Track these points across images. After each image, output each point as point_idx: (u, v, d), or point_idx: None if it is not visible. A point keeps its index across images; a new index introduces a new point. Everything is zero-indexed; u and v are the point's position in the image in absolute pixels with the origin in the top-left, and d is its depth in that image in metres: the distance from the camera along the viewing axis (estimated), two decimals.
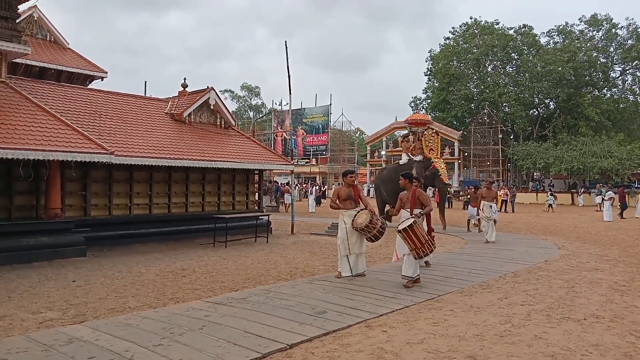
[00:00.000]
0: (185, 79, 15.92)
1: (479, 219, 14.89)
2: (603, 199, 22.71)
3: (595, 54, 42.69)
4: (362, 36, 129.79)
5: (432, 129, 17.26)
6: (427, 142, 16.76)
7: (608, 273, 8.63)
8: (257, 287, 7.52)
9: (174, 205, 13.51)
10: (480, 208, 13.26)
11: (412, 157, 16.56)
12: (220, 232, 12.81)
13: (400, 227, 7.15)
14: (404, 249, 7.33)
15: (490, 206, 12.97)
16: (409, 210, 7.70)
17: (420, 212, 7.51)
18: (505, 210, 26.55)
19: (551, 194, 29.29)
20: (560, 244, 12.73)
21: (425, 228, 7.89)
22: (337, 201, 7.97)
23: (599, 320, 5.66)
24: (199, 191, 14.11)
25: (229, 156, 13.82)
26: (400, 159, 17.68)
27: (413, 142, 16.87)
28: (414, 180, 7.88)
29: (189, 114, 14.65)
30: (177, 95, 15.72)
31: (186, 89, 15.63)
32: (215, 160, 13.13)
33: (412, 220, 7.19)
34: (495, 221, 13.38)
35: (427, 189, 17.10)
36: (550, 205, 27.91)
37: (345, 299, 6.55)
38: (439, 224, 15.85)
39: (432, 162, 16.12)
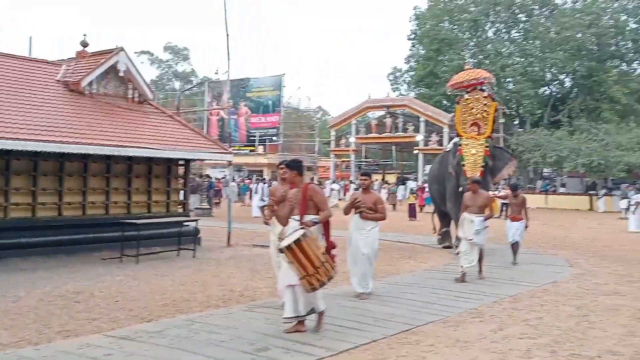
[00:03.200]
0: (85, 35, 15.54)
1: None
2: (630, 204, 23.53)
3: (624, 17, 44.14)
4: None
5: (482, 90, 14.89)
6: (465, 112, 14.86)
7: (631, 298, 9.01)
8: (177, 317, 7.46)
9: (67, 206, 13.20)
10: (461, 222, 10.81)
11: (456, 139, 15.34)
12: (130, 243, 12.64)
13: (282, 244, 6.42)
14: (290, 277, 6.48)
15: (472, 220, 10.50)
16: (298, 216, 6.86)
17: (312, 220, 6.71)
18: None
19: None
20: (573, 261, 13.19)
21: (323, 244, 6.88)
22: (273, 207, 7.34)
23: (616, 358, 5.90)
24: (102, 188, 13.85)
25: (144, 141, 13.63)
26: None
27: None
28: (300, 171, 7.01)
29: (90, 83, 14.34)
30: (74, 57, 15.36)
31: (86, 49, 15.29)
32: (125, 146, 12.91)
33: (301, 232, 6.47)
34: (516, 245, 12.57)
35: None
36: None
37: (293, 334, 6.57)
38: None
39: (459, 145, 14.59)
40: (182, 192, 16.14)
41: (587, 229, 22.43)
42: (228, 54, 16.50)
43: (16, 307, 7.91)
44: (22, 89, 13.24)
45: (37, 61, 15.38)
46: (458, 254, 10.90)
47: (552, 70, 45.88)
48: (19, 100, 12.68)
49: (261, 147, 55.50)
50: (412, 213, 26.07)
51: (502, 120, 41.01)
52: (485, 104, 14.57)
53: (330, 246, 6.89)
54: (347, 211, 9.03)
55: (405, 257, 13.76)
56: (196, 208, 25.07)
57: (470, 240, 10.34)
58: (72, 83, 14.21)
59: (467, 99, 14.85)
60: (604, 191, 36.38)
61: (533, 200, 37.78)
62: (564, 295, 9.13)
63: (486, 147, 14.13)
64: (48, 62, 15.39)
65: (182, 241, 13.92)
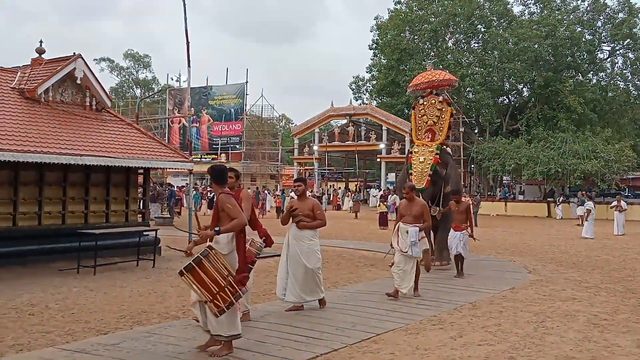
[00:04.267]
0: (41, 41, 15.23)
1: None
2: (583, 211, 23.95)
3: (579, 29, 45.12)
4: None
5: (437, 95, 14.17)
6: (420, 117, 14.16)
7: (587, 304, 9.18)
8: (135, 329, 7.36)
9: (21, 217, 12.91)
10: (395, 232, 9.75)
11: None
12: (87, 254, 12.41)
13: (182, 267, 5.79)
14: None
15: (407, 231, 9.46)
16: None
17: (216, 230, 6.09)
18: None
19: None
20: (531, 267, 13.39)
21: (236, 263, 6.16)
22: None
23: None
24: (58, 197, 13.58)
25: (103, 149, 13.42)
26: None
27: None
28: (217, 180, 6.37)
29: (46, 90, 14.06)
30: (29, 64, 15.05)
31: (43, 55, 14.99)
32: (81, 155, 12.69)
33: (202, 250, 5.82)
34: (459, 258, 11.70)
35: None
36: None
37: (255, 343, 6.54)
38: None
39: (411, 152, 13.88)
40: (141, 201, 15.92)
41: (545, 236, 22.83)
42: (189, 61, 16.38)
43: None
44: None
45: None
46: (391, 265, 9.69)
47: (510, 80, 46.62)
48: None
49: (224, 155, 55.16)
50: (382, 221, 26.07)
51: (462, 129, 41.67)
52: (440, 109, 13.85)
53: (246, 262, 6.15)
54: (284, 221, 8.60)
55: (367, 265, 13.81)
56: (156, 217, 24.77)
57: (405, 252, 9.36)
58: (28, 90, 13.90)
59: (422, 103, 14.13)
60: (561, 198, 37.10)
61: (493, 208, 38.53)
62: (522, 301, 9.26)
63: (436, 154, 13.21)
64: (2, 69, 15.03)
65: (142, 251, 13.73)
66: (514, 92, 49.77)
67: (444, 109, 13.86)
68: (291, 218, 8.46)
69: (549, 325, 7.62)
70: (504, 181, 49.62)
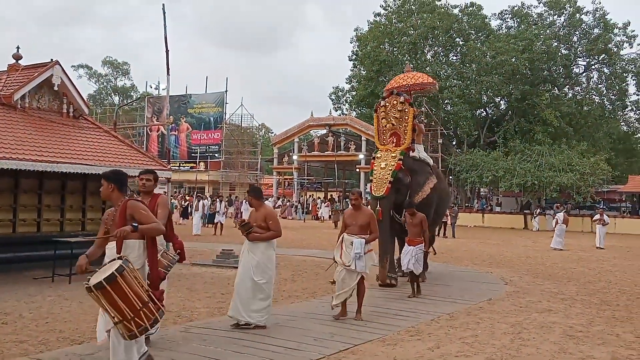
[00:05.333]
0: (18, 47, 15.06)
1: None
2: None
3: (555, 44, 45.87)
4: (272, 6, 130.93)
5: (399, 95, 12.91)
6: (383, 120, 13.04)
7: (563, 315, 9.25)
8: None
9: (22, 223, 12.75)
10: (338, 244, 8.75)
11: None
12: (62, 262, 12.22)
13: (92, 282, 4.85)
14: (107, 322, 5.17)
15: (352, 242, 8.47)
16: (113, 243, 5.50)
17: (133, 226, 5.35)
18: (445, 234, 27.70)
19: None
20: (508, 279, 13.48)
21: (146, 277, 5.52)
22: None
23: None
24: (33, 204, 13.40)
25: (79, 157, 13.27)
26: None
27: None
28: (119, 185, 5.62)
29: (23, 97, 13.89)
30: (5, 70, 14.87)
31: (19, 61, 14.83)
32: (58, 162, 12.54)
33: (117, 265, 4.93)
34: (413, 276, 10.66)
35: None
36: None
37: (232, 353, 6.49)
38: None
39: (373, 157, 12.99)
40: None
41: (522, 247, 23.01)
42: (168, 69, 16.32)
43: None
44: None
45: None
46: (333, 282, 8.80)
47: (488, 93, 47.08)
48: None
49: (202, 163, 54.91)
50: None
51: (440, 141, 41.98)
52: (401, 110, 12.66)
53: (157, 277, 5.61)
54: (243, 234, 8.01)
55: None
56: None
57: (348, 267, 8.41)
58: (4, 96, 13.72)
59: (384, 105, 12.95)
60: (538, 210, 37.46)
61: (470, 219, 38.79)
62: (499, 312, 9.30)
63: (399, 159, 12.11)
64: None
65: None
66: (491, 105, 50.30)
67: (405, 110, 12.68)
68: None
69: (526, 336, 7.66)
70: (481, 193, 50.00)
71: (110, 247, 5.46)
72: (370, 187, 12.26)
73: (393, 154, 12.29)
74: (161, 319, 5.11)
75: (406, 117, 12.67)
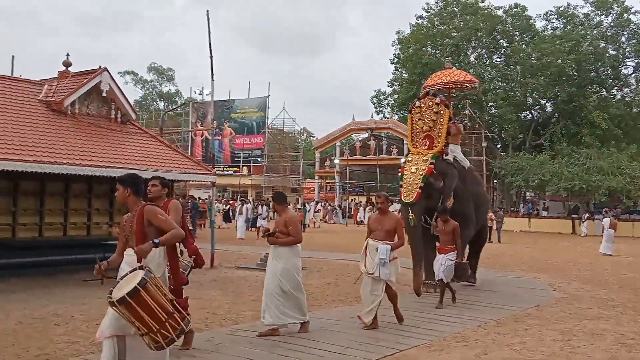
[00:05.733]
0: (68, 55, 15.49)
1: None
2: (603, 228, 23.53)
3: (603, 44, 44.83)
4: (312, 10, 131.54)
5: (435, 96, 12.22)
6: (416, 122, 12.38)
7: (614, 322, 9.03)
8: None
9: (47, 227, 13.08)
10: (363, 252, 8.41)
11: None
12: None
13: (115, 296, 4.67)
14: (119, 326, 4.96)
15: (377, 248, 8.14)
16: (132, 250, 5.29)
17: (154, 242, 5.15)
18: (490, 239, 27.32)
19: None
20: (556, 285, 13.21)
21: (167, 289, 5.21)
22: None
23: None
24: (83, 208, 13.74)
25: (127, 161, 13.54)
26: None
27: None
28: (134, 188, 5.43)
29: (73, 103, 14.26)
30: (56, 77, 15.28)
31: (69, 68, 15.22)
32: (107, 167, 12.82)
33: (140, 278, 4.72)
34: (442, 284, 10.27)
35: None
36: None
37: (278, 357, 6.53)
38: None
39: (403, 162, 12.60)
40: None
41: (570, 253, 22.53)
42: (212, 75, 16.54)
43: None
44: (3, 109, 13.12)
45: (19, 81, 15.28)
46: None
47: (533, 95, 46.39)
48: (1, 120, 12.56)
49: (245, 168, 55.42)
50: None
51: (484, 144, 41.45)
52: (436, 112, 12.00)
53: (180, 283, 5.54)
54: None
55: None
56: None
57: (372, 274, 8.11)
58: (55, 103, 14.11)
59: (419, 106, 12.31)
60: (586, 215, 36.65)
61: (516, 224, 38.12)
62: (548, 319, 9.13)
63: (430, 163, 11.47)
64: (30, 82, 15.28)
65: None
66: (537, 107, 49.48)
67: (441, 112, 11.99)
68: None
69: (575, 344, 7.50)
70: (527, 197, 49.19)
71: (130, 254, 5.27)
72: (400, 192, 11.67)
73: (424, 158, 11.66)
74: (187, 329, 4.97)
75: (441, 120, 11.99)
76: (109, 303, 4.71)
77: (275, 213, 8.13)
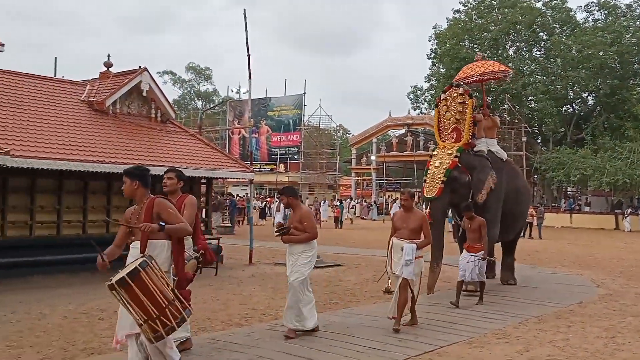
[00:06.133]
0: (109, 55, 15.78)
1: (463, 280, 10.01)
2: None
3: None
4: (349, 7, 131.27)
5: (459, 87, 11.85)
6: (443, 114, 11.95)
7: None
8: (199, 335, 7.46)
9: (90, 224, 13.33)
10: (388, 251, 8.20)
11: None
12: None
13: (114, 279, 4.59)
14: (128, 324, 4.98)
15: (402, 248, 7.86)
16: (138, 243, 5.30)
17: (161, 225, 5.12)
18: (531, 235, 26.96)
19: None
20: (599, 281, 12.98)
21: (172, 279, 5.35)
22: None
23: None
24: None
25: (167, 160, 13.74)
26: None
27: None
28: (142, 181, 5.35)
29: (114, 103, 14.53)
30: (97, 77, 15.58)
31: (110, 69, 15.51)
32: (148, 165, 13.01)
33: (140, 260, 4.69)
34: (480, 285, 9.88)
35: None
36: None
37: (317, 352, 6.56)
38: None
39: (430, 155, 12.23)
40: (204, 210, 16.20)
41: (613, 249, 22.08)
42: (249, 73, 16.62)
43: (40, 325, 7.97)
44: (47, 110, 13.44)
45: (61, 82, 15.63)
46: (385, 291, 8.25)
47: (574, 88, 45.62)
48: (45, 121, 12.88)
49: (282, 165, 55.71)
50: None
51: (524, 139, 40.86)
52: (461, 103, 11.52)
53: (184, 278, 5.45)
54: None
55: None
56: (218, 226, 25.17)
57: (397, 274, 7.87)
58: (96, 103, 14.40)
59: (445, 99, 11.86)
60: (630, 210, 35.87)
61: (557, 220, 37.50)
62: (591, 316, 8.98)
63: (455, 157, 11.03)
64: (72, 83, 15.63)
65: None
66: (578, 101, 48.57)
67: (465, 102, 11.49)
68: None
69: (620, 341, 7.36)
70: (568, 192, 48.34)
71: (135, 247, 5.24)
72: (422, 188, 11.27)
73: (449, 151, 11.22)
74: (188, 319, 4.86)
75: (466, 110, 11.51)
76: (108, 287, 4.55)
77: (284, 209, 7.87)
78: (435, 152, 11.67)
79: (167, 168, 6.97)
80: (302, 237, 7.39)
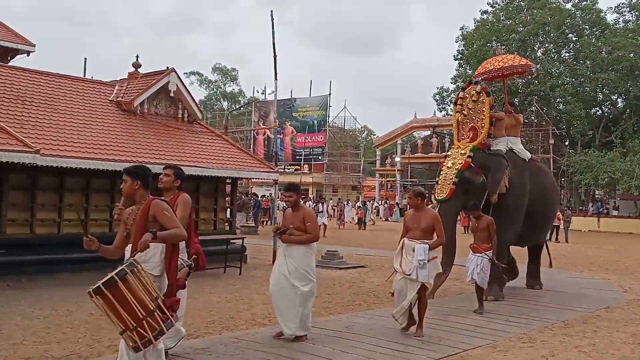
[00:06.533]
0: (137, 56, 15.95)
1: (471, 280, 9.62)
2: None
3: None
4: (375, 8, 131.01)
5: (477, 84, 11.43)
6: (462, 114, 11.55)
7: None
8: (224, 334, 7.51)
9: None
10: (399, 251, 7.88)
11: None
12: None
13: (91, 288, 4.38)
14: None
15: (413, 249, 7.52)
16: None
17: (152, 232, 4.76)
18: (557, 239, 26.66)
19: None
20: (627, 286, 12.80)
21: (164, 285, 5.04)
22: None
23: None
24: None
25: (193, 159, 13.84)
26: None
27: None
28: (143, 181, 5.11)
29: (142, 103, 14.67)
30: (126, 78, 15.76)
31: (139, 69, 15.67)
32: (179, 164, 13.11)
33: (119, 269, 4.42)
34: (479, 288, 9.34)
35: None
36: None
37: (340, 353, 6.56)
38: None
39: (445, 155, 11.93)
40: (229, 210, 16.29)
41: None
42: (275, 74, 16.67)
43: (68, 321, 8.07)
44: (76, 109, 13.62)
45: (91, 82, 15.83)
46: (392, 294, 8.09)
47: (603, 90, 45.08)
48: (74, 120, 13.04)
49: (306, 166, 55.80)
50: None
51: (552, 141, 40.42)
52: (477, 101, 11.16)
53: (174, 284, 5.14)
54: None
55: (452, 280, 13.53)
56: (242, 226, 25.28)
57: (409, 275, 7.49)
58: (125, 103, 14.55)
59: (463, 97, 11.47)
60: None
61: (584, 223, 37.03)
62: (618, 321, 8.85)
63: (468, 157, 10.74)
64: (101, 83, 15.82)
65: (229, 259, 14.00)
66: (607, 103, 47.94)
67: (482, 100, 11.10)
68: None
69: None
70: (596, 196, 47.72)
71: (129, 250, 5.06)
72: (434, 189, 10.93)
73: (462, 151, 10.91)
74: (168, 331, 4.61)
75: (483, 109, 11.11)
76: (88, 294, 4.38)
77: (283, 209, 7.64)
78: (449, 152, 11.44)
79: (167, 165, 6.80)
80: (304, 238, 7.09)
